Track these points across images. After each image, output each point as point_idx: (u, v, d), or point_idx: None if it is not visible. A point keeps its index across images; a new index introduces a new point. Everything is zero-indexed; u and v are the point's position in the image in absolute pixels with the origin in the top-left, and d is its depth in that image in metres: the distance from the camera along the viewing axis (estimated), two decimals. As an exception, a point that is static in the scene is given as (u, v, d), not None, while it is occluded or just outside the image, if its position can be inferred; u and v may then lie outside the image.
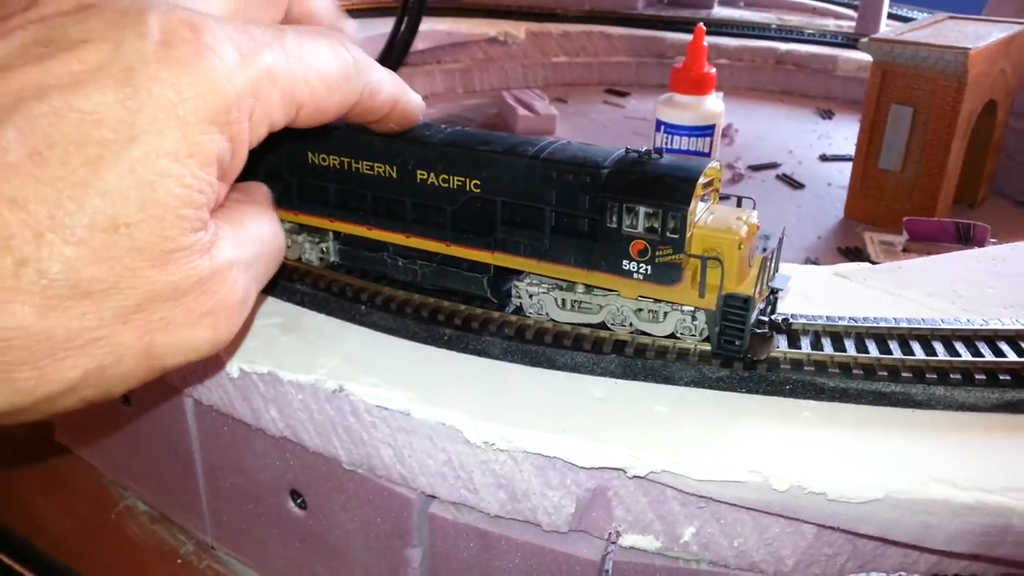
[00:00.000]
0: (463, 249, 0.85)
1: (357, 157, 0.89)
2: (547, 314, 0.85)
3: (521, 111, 2.45)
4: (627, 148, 0.80)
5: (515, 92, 2.64)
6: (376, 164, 0.88)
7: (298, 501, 0.92)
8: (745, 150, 2.33)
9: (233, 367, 0.84)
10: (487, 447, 0.74)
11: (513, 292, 0.86)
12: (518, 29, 2.93)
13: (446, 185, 0.84)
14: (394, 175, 0.87)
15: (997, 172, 2.09)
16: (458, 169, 0.83)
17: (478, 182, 0.83)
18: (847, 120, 2.59)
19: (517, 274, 0.86)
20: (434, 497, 0.81)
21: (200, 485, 1.00)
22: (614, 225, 0.76)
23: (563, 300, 0.84)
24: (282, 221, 0.96)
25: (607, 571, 0.76)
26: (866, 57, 1.92)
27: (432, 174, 0.85)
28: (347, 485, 0.85)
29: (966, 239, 1.67)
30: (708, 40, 1.67)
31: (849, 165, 2.01)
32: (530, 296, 0.85)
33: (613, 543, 0.75)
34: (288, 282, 0.95)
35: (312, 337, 0.88)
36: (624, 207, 0.76)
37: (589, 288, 0.82)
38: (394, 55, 2.40)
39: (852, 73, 2.76)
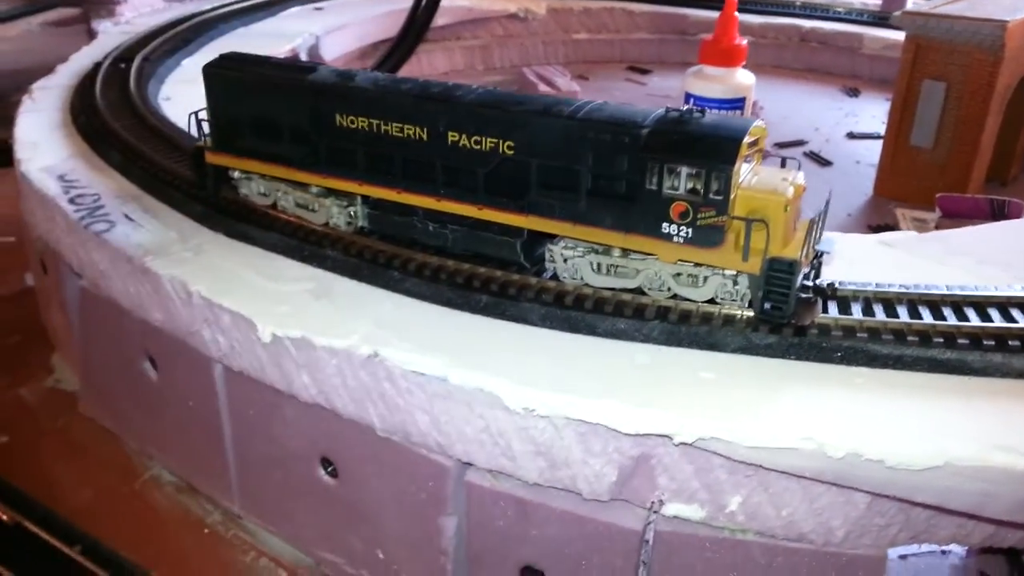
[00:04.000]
0: (496, 212, 0.83)
1: (386, 119, 0.86)
2: (582, 278, 0.82)
3: (543, 87, 2.42)
4: (667, 108, 0.78)
5: (536, 68, 2.61)
6: (406, 126, 0.86)
7: (329, 469, 0.90)
8: (771, 128, 2.26)
9: (265, 332, 0.82)
10: (527, 413, 0.72)
11: (547, 256, 0.84)
12: (539, 5, 2.89)
13: (478, 147, 0.82)
14: (425, 137, 0.85)
15: (1030, 150, 2.05)
16: (491, 130, 0.81)
17: (512, 143, 0.81)
18: (874, 98, 2.55)
19: (551, 238, 0.83)
20: (471, 464, 0.79)
21: (228, 454, 0.99)
22: (654, 187, 0.74)
23: (599, 264, 0.81)
24: (309, 185, 0.95)
25: (648, 541, 0.74)
26: (892, 35, 1.88)
27: (464, 135, 0.83)
28: (381, 453, 0.83)
29: (1000, 216, 1.63)
30: (733, 15, 1.63)
31: (877, 143, 1.98)
32: (565, 260, 0.83)
33: (656, 512, 0.73)
34: (318, 248, 0.93)
35: (344, 303, 0.87)
36: (665, 168, 0.73)
37: (626, 252, 0.80)
38: (414, 31, 2.37)
39: (878, 51, 2.70)
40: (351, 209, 0.94)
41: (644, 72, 2.82)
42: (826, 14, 2.93)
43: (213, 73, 0.97)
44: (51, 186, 1.13)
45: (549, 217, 0.80)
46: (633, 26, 2.97)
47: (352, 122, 0.88)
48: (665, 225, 0.75)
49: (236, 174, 1.01)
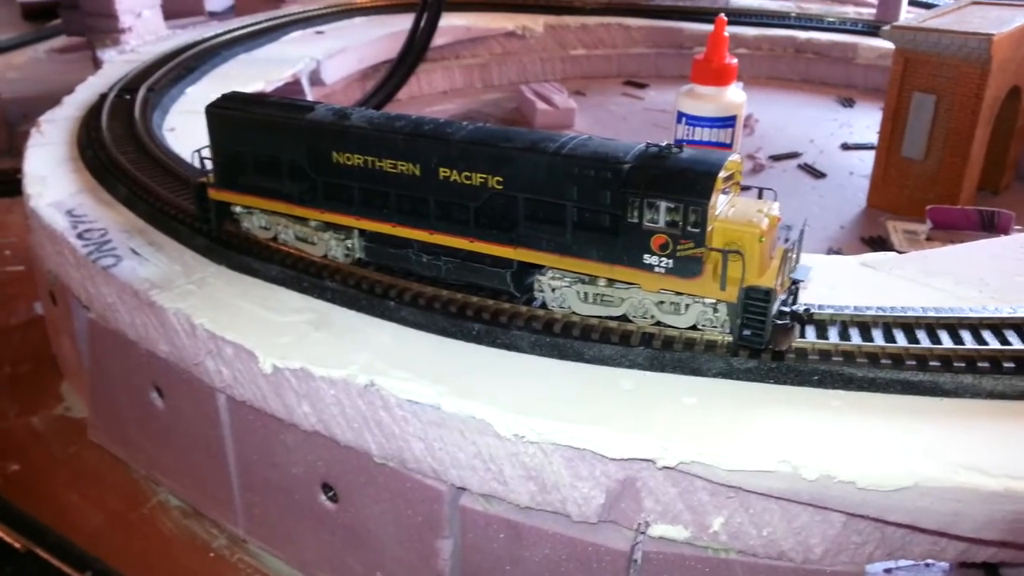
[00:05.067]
0: (486, 245, 0.86)
1: (381, 156, 0.90)
2: (569, 307, 0.85)
3: (540, 105, 2.45)
4: (648, 143, 0.81)
5: (534, 86, 2.64)
6: (399, 163, 0.89)
7: (330, 494, 0.93)
8: (766, 140, 2.32)
9: (266, 363, 0.86)
10: (517, 439, 0.75)
11: (536, 286, 0.87)
12: (536, 23, 2.93)
13: (468, 182, 0.85)
14: (417, 173, 0.88)
15: (1021, 159, 2.07)
16: (480, 166, 0.84)
17: (500, 179, 0.84)
18: (868, 108, 2.57)
19: (540, 268, 0.87)
20: (464, 489, 0.82)
21: (233, 479, 1.02)
22: (635, 220, 0.77)
23: (585, 293, 0.84)
24: (308, 219, 0.98)
25: (636, 561, 0.76)
26: (887, 45, 1.91)
27: (455, 171, 0.86)
28: (378, 478, 0.86)
29: (990, 227, 1.66)
30: (727, 29, 1.66)
31: (871, 154, 2.00)
32: (553, 290, 0.86)
33: (642, 533, 0.76)
34: (317, 279, 0.97)
35: (342, 332, 0.90)
36: (645, 202, 0.76)
37: (611, 281, 0.83)
38: (413, 51, 2.41)
39: (873, 61, 2.73)
40: (348, 242, 0.97)
41: (641, 86, 2.86)
42: (820, 24, 2.96)
43: (215, 113, 1.01)
44: (60, 221, 1.17)
45: (537, 249, 0.83)
46: (630, 41, 3.01)
47: (348, 159, 0.92)
48: (647, 256, 0.78)
49: (238, 208, 1.05)
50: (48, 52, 3.33)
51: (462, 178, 0.86)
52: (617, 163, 0.78)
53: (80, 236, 1.13)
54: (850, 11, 3.15)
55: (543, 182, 0.82)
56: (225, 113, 1.00)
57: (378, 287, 0.93)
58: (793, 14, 3.05)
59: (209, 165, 1.03)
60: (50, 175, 1.36)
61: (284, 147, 0.96)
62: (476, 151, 0.85)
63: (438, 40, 2.54)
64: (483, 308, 0.88)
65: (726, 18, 1.66)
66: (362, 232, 0.96)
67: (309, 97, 2.20)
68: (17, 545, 1.05)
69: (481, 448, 0.77)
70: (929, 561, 0.81)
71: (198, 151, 1.03)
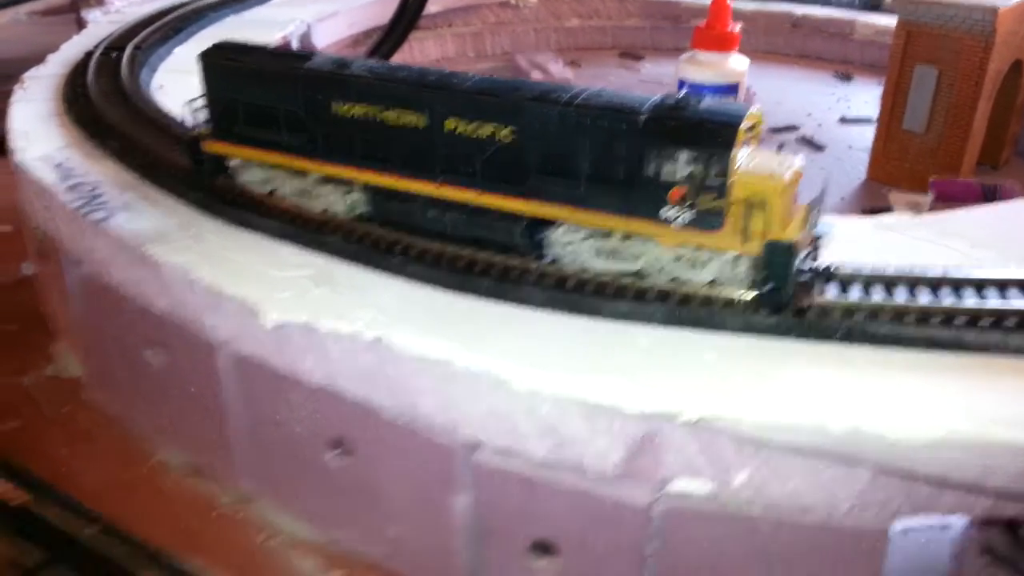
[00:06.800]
0: (496, 198, 0.83)
1: (383, 106, 0.87)
2: (583, 263, 0.83)
3: (535, 74, 2.42)
4: (666, 94, 0.79)
5: (528, 55, 2.61)
6: (403, 113, 0.86)
7: (337, 451, 0.91)
8: (764, 112, 2.29)
9: (268, 318, 0.83)
10: (532, 394, 0.72)
11: (548, 241, 0.85)
12: (530, -8, 2.89)
13: (476, 133, 0.83)
14: (422, 124, 0.85)
15: (1021, 134, 2.06)
16: (488, 117, 0.82)
17: (510, 130, 0.81)
18: (866, 84, 2.55)
19: (550, 223, 0.84)
20: (478, 445, 0.80)
21: (235, 438, 0.99)
22: (653, 172, 0.75)
23: (600, 248, 0.82)
24: (307, 172, 0.95)
25: (655, 516, 0.75)
26: (884, 21, 1.89)
27: (462, 122, 0.83)
28: (388, 435, 0.84)
29: (993, 200, 1.65)
30: (724, 2, 1.64)
31: (870, 128, 1.99)
32: (565, 245, 0.83)
33: (662, 489, 0.74)
34: (318, 234, 0.94)
35: (346, 288, 0.87)
36: (664, 153, 0.74)
37: (626, 235, 0.80)
38: (406, 18, 2.36)
39: (870, 37, 2.71)
40: (350, 196, 0.94)
41: (637, 59, 2.82)
42: (818, -1, 2.94)
43: (209, 61, 0.97)
44: (48, 175, 1.13)
45: (549, 202, 0.81)
46: (625, 13, 2.97)
47: (349, 110, 0.89)
48: (664, 209, 0.76)
49: (234, 162, 1.02)
50: (29, 15, 3.24)
51: (470, 129, 0.83)
52: (633, 113, 0.76)
53: (69, 190, 1.09)
54: (847, -14, 3.12)
55: (555, 133, 0.79)
56: (220, 61, 0.97)
57: (382, 242, 0.90)
58: (790, -12, 3.02)
59: (202, 117, 1.00)
60: (35, 130, 1.31)
61: (282, 97, 0.92)
62: (485, 101, 0.82)
63: (431, 7, 2.49)
64: (492, 264, 0.85)
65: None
66: (364, 186, 0.93)
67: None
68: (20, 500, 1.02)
69: (495, 403, 0.75)
70: (946, 524, 0.80)
71: (190, 102, 1.00)
